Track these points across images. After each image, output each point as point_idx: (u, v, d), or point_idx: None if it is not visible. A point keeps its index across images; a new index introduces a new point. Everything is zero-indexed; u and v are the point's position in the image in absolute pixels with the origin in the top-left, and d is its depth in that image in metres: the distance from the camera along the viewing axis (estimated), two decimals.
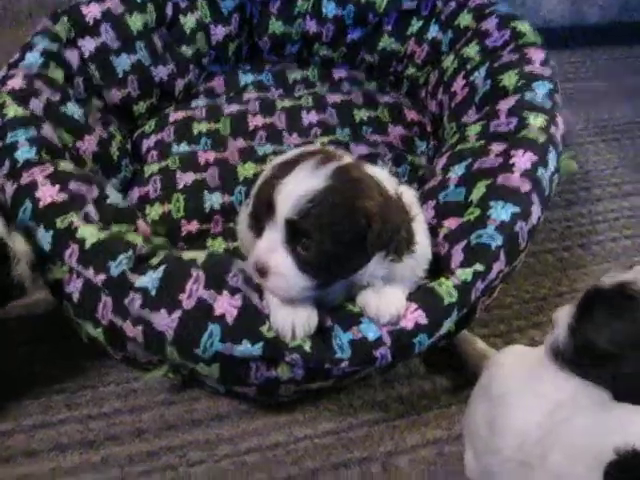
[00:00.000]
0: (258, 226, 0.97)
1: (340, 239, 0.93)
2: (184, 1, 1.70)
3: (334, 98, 1.71)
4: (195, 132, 1.61)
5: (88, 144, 1.40)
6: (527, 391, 0.96)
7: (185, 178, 1.47)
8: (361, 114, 1.67)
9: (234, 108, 1.67)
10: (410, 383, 1.28)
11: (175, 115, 1.66)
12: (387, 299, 1.03)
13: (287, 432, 1.19)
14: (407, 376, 1.28)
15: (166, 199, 1.45)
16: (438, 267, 1.13)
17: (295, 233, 0.92)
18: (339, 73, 1.86)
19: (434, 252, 1.15)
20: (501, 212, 1.14)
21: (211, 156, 1.53)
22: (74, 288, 1.08)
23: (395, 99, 1.76)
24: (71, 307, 1.10)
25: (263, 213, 0.94)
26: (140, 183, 1.50)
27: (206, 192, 1.45)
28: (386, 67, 1.83)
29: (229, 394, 1.20)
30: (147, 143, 1.61)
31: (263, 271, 0.95)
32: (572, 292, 1.48)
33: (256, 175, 1.44)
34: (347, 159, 1.01)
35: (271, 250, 0.94)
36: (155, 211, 1.43)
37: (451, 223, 1.20)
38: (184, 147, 1.58)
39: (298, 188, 0.92)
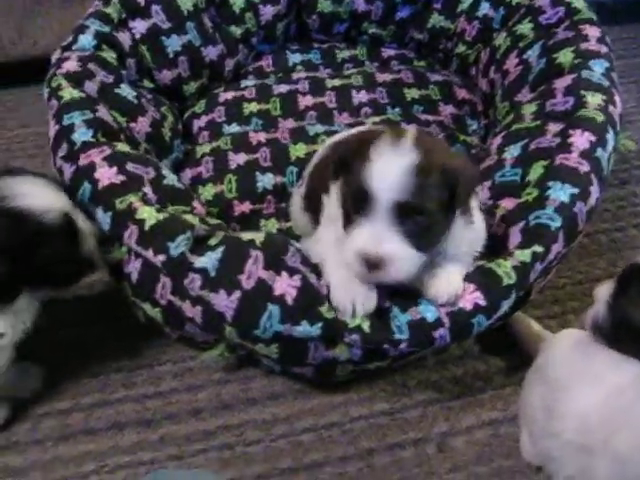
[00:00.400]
0: (346, 214, 0.96)
1: (442, 204, 0.92)
2: None
3: (384, 77, 1.70)
4: (246, 112, 1.61)
5: (141, 125, 1.40)
6: (585, 375, 0.96)
7: (237, 159, 1.48)
8: (412, 93, 1.66)
9: (284, 88, 1.67)
10: (464, 364, 1.27)
11: (225, 95, 1.67)
12: (446, 279, 1.03)
13: (342, 412, 1.19)
14: (461, 357, 1.28)
15: (218, 179, 1.45)
16: (495, 248, 1.12)
17: (406, 213, 0.90)
18: (388, 52, 1.85)
19: (491, 233, 1.14)
20: (560, 193, 1.12)
21: (262, 136, 1.53)
22: (133, 268, 1.09)
23: (445, 77, 1.74)
24: (130, 287, 1.11)
25: (353, 201, 0.92)
26: (192, 163, 1.51)
27: (258, 173, 1.46)
28: (435, 45, 1.81)
29: (285, 374, 1.21)
30: (198, 123, 1.62)
31: (376, 263, 0.92)
32: None
33: (308, 155, 1.44)
34: (410, 129, 1.00)
35: (379, 239, 0.91)
36: (208, 191, 1.44)
37: (508, 204, 1.19)
38: (235, 127, 1.58)
39: (395, 167, 0.89)
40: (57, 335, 1.29)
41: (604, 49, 1.37)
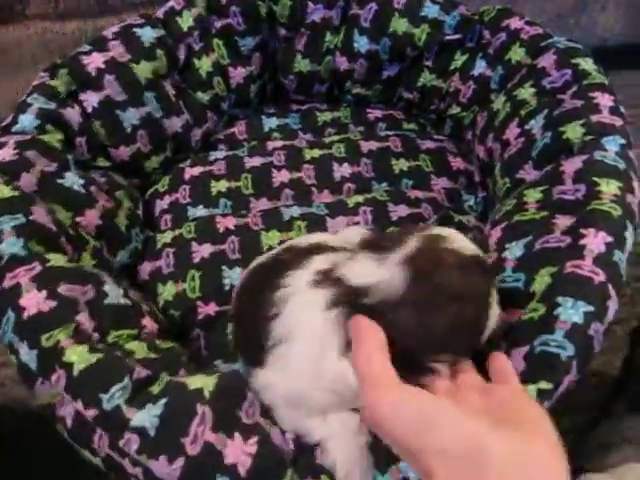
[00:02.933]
0: None
1: None
2: (198, 42, 1.52)
3: (369, 145, 1.52)
4: (214, 192, 1.43)
5: (90, 218, 1.23)
6: None
7: (201, 250, 1.30)
8: (400, 164, 1.48)
9: (257, 161, 1.49)
10: None
11: (191, 171, 1.49)
12: None
13: None
14: None
15: (180, 276, 1.27)
16: None
17: None
18: (375, 113, 1.67)
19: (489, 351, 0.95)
20: (572, 312, 0.93)
21: (231, 222, 1.35)
22: (66, 413, 0.91)
23: (438, 144, 1.56)
24: (65, 431, 0.93)
25: None
26: (152, 255, 1.33)
27: (225, 267, 1.27)
28: (427, 105, 1.64)
29: None
30: (161, 205, 1.44)
31: None
32: None
33: (281, 244, 1.26)
34: None
35: None
36: (168, 291, 1.26)
37: (509, 316, 1.01)
38: (201, 211, 1.40)
39: None
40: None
41: (618, 122, 1.19)
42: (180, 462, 0.83)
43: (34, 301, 0.97)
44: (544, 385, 0.90)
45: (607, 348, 1.26)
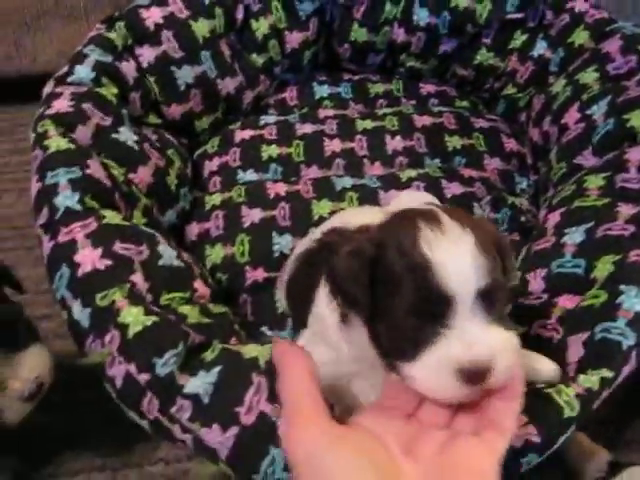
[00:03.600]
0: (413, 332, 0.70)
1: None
2: (257, 3, 1.51)
3: (423, 120, 1.50)
4: (264, 157, 1.43)
5: (142, 175, 1.22)
6: None
7: (252, 215, 1.29)
8: (453, 141, 1.46)
9: (308, 128, 1.48)
10: None
11: (242, 134, 1.48)
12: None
13: None
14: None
15: (229, 240, 1.26)
16: (551, 357, 0.93)
17: (489, 297, 0.69)
18: (427, 88, 1.65)
19: (546, 336, 0.97)
20: (635, 301, 0.92)
21: (282, 188, 1.34)
22: (117, 373, 0.90)
23: (491, 123, 1.54)
24: (114, 392, 0.92)
25: (421, 312, 0.68)
26: (200, 217, 1.32)
27: (275, 233, 1.26)
28: (481, 84, 1.62)
29: None
30: (210, 166, 1.43)
31: (485, 369, 0.67)
32: None
33: (333, 214, 1.25)
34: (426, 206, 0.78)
35: (483, 338, 0.69)
36: (216, 253, 1.25)
37: (567, 302, 1.00)
38: (251, 175, 1.40)
39: (463, 254, 0.69)
40: (37, 423, 1.10)
41: None
42: (234, 431, 0.83)
43: (89, 258, 0.96)
44: (606, 373, 0.88)
45: None
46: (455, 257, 0.68)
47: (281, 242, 1.25)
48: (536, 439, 0.83)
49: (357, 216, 1.03)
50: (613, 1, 1.80)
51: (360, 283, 0.71)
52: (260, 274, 1.23)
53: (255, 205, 1.31)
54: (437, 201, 1.19)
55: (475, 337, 0.68)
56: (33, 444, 1.10)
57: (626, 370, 0.90)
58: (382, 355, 0.73)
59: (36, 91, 1.67)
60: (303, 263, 1.01)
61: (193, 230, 1.31)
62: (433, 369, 0.68)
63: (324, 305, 0.82)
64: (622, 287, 0.94)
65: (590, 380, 0.88)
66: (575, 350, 0.93)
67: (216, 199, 1.34)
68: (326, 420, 0.61)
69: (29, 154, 1.59)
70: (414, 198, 1.22)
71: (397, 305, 0.69)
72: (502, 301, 0.71)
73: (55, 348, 1.22)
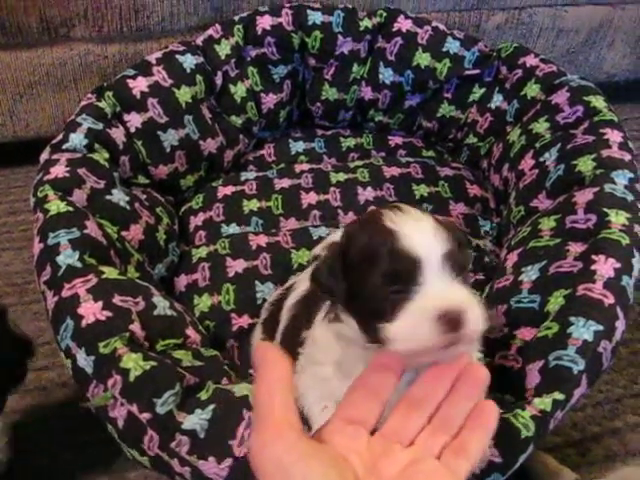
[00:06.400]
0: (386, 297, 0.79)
1: None
2: (234, 69, 1.62)
3: (391, 171, 1.62)
4: (245, 210, 1.53)
5: (134, 233, 1.32)
6: None
7: (235, 265, 1.39)
8: (420, 190, 1.58)
9: (286, 183, 1.59)
10: None
11: (224, 190, 1.59)
12: None
13: None
14: None
15: (215, 289, 1.36)
16: (511, 385, 1.04)
17: (454, 263, 0.78)
18: (395, 140, 1.77)
19: (506, 367, 1.06)
20: (583, 330, 1.02)
21: (263, 240, 1.44)
22: (119, 415, 0.99)
23: (456, 171, 1.66)
24: (116, 432, 1.01)
25: (393, 276, 0.77)
26: (188, 269, 1.42)
27: (257, 282, 1.36)
28: (445, 134, 1.75)
29: None
30: (195, 221, 1.54)
31: (458, 318, 0.76)
32: None
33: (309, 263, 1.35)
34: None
35: (452, 291, 0.78)
36: (204, 303, 1.34)
37: (525, 334, 1.10)
38: (234, 228, 1.50)
39: (425, 226, 0.78)
40: (36, 462, 1.20)
41: (627, 156, 1.29)
42: (228, 462, 0.91)
43: (91, 310, 1.05)
44: (558, 396, 0.98)
45: (612, 367, 1.37)
46: (418, 228, 0.78)
47: (264, 290, 1.35)
48: (498, 459, 0.93)
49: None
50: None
51: (334, 271, 0.82)
52: (245, 320, 1.32)
53: (238, 256, 1.41)
54: None
55: (446, 290, 0.77)
56: None
57: (577, 393, 1.00)
58: (364, 328, 0.82)
59: (28, 155, 1.79)
60: (301, 308, 1.10)
61: (182, 282, 1.40)
62: (412, 322, 0.76)
63: (319, 329, 0.94)
64: (572, 319, 1.04)
65: (544, 402, 0.97)
66: (533, 377, 1.02)
67: (202, 252, 1.44)
68: (295, 432, 0.61)
69: (24, 214, 1.73)
70: None
71: (372, 277, 0.78)
72: (465, 268, 0.81)
73: (57, 396, 1.31)
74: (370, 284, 0.79)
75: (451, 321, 0.75)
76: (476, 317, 0.77)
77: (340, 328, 0.88)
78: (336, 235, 0.97)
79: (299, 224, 1.51)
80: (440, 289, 0.77)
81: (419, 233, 0.77)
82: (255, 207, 1.54)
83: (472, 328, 0.76)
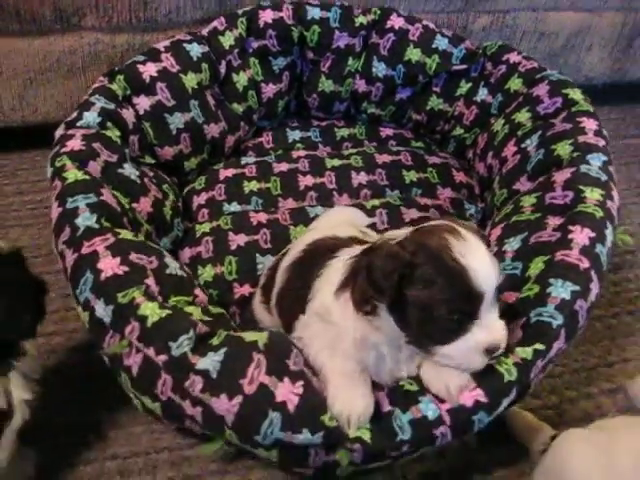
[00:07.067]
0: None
1: None
2: (237, 59, 1.73)
3: (383, 158, 1.72)
4: (246, 191, 1.63)
5: (143, 205, 1.40)
6: (606, 475, 0.96)
7: (237, 239, 1.49)
8: (410, 175, 1.68)
9: (284, 167, 1.69)
10: (464, 456, 1.27)
11: (225, 172, 1.68)
12: (451, 372, 1.03)
13: None
14: (460, 449, 1.27)
15: (218, 260, 1.45)
16: None
17: (499, 292, 0.97)
18: (386, 131, 1.88)
19: None
20: (561, 290, 1.13)
21: (263, 217, 1.54)
22: (133, 362, 1.07)
23: (443, 160, 1.77)
24: (129, 380, 1.09)
25: (455, 306, 0.94)
26: (191, 243, 1.51)
27: (258, 254, 1.46)
28: (433, 126, 1.85)
29: (283, 470, 1.20)
30: (198, 200, 1.63)
31: (497, 350, 0.98)
32: (622, 362, 1.48)
33: None
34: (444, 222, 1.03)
35: (500, 327, 0.98)
36: (207, 273, 1.44)
37: (508, 297, 1.19)
38: (235, 207, 1.60)
39: (485, 259, 0.94)
40: (51, 419, 1.26)
41: (601, 142, 1.40)
42: (238, 399, 0.99)
43: (110, 265, 1.14)
44: (539, 346, 1.08)
45: (588, 339, 1.47)
46: (481, 263, 0.94)
47: (264, 262, 1.45)
48: (484, 399, 1.03)
49: (334, 230, 1.25)
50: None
51: (391, 278, 0.93)
52: (246, 289, 1.42)
53: (240, 231, 1.50)
54: (361, 214, 1.49)
55: (493, 325, 0.97)
56: (50, 436, 1.25)
57: (556, 345, 1.10)
58: (412, 339, 0.99)
59: (34, 140, 1.87)
60: (294, 271, 1.20)
61: (186, 254, 1.49)
62: (466, 350, 0.97)
63: (328, 299, 1.04)
64: (551, 280, 1.15)
65: (525, 351, 1.08)
66: (516, 334, 1.12)
67: (205, 227, 1.53)
68: None
69: (31, 194, 1.81)
70: (342, 212, 1.52)
71: (437, 307, 0.93)
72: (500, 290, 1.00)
73: (65, 358, 1.39)
74: (433, 311, 0.94)
75: (492, 350, 0.97)
76: (505, 342, 0.98)
77: (375, 321, 1.00)
78: (395, 234, 1.02)
79: (297, 204, 1.60)
80: (490, 322, 0.96)
81: (485, 271, 0.93)
82: (255, 188, 1.64)
83: (502, 351, 0.99)
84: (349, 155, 1.74)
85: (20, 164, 1.94)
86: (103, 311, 1.10)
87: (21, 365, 1.06)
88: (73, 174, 1.29)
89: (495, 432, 1.25)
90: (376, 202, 1.58)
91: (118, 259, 1.15)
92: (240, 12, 1.74)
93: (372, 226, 1.48)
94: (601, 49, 2.18)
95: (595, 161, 1.35)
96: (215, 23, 1.71)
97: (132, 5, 1.71)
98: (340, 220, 1.41)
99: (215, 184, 1.65)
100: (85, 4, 1.69)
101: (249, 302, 1.39)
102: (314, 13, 1.76)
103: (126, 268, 1.14)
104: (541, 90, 1.57)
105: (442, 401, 1.03)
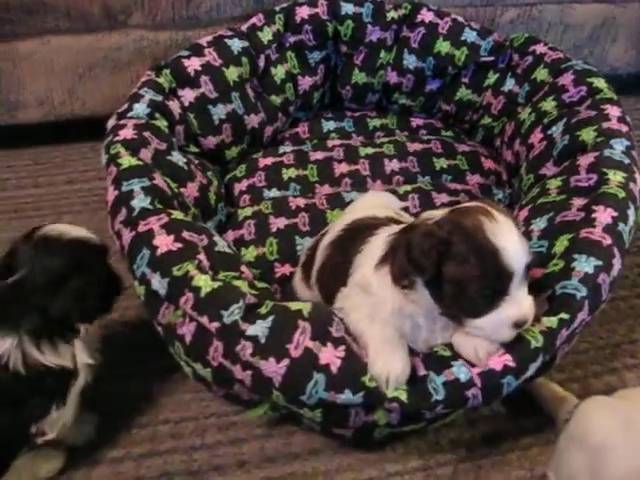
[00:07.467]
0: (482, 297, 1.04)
1: None
2: (275, 53, 1.82)
3: (414, 147, 1.80)
4: (285, 178, 1.72)
5: (190, 190, 1.50)
6: (627, 440, 1.03)
7: (277, 222, 1.58)
8: (441, 162, 1.76)
9: (320, 155, 1.78)
10: (494, 424, 1.34)
11: (264, 161, 1.77)
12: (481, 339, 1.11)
13: (379, 468, 1.26)
14: (490, 417, 1.34)
15: (260, 242, 1.54)
16: None
17: (528, 269, 1.04)
18: (417, 121, 1.96)
19: None
20: (585, 265, 1.20)
21: (301, 202, 1.63)
22: (187, 331, 1.16)
23: (472, 148, 1.84)
24: (182, 347, 1.18)
25: (488, 284, 1.02)
26: (234, 226, 1.60)
27: (297, 236, 1.55)
28: (462, 116, 1.93)
29: (323, 433, 1.28)
30: (239, 187, 1.72)
31: (525, 323, 1.07)
32: None
33: None
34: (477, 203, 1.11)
35: (528, 303, 1.06)
36: (250, 253, 1.53)
37: (535, 273, 1.26)
38: (275, 192, 1.69)
39: (516, 238, 1.02)
40: (109, 388, 1.34)
41: (625, 128, 1.47)
42: (285, 362, 1.08)
43: (165, 242, 1.23)
44: (564, 316, 1.15)
45: (613, 318, 1.54)
46: (512, 243, 1.02)
47: (303, 243, 1.53)
48: (512, 364, 1.11)
49: (372, 211, 1.34)
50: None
51: (430, 256, 1.02)
52: (287, 269, 1.51)
53: (280, 215, 1.60)
54: (394, 198, 1.58)
55: (522, 301, 1.05)
56: (108, 404, 1.34)
57: (580, 316, 1.17)
58: (446, 311, 1.08)
59: (83, 132, 1.97)
60: (336, 248, 1.29)
61: (229, 237, 1.58)
62: (496, 323, 1.06)
63: (369, 272, 1.13)
64: (575, 256, 1.22)
65: (550, 320, 1.15)
66: (542, 305, 1.18)
67: (247, 211, 1.62)
68: None
69: (80, 184, 1.91)
70: (376, 196, 1.60)
71: (470, 283, 1.02)
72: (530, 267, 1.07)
73: (119, 333, 1.48)
74: (467, 287, 1.03)
75: (520, 324, 1.06)
76: (532, 317, 1.07)
77: (412, 295, 1.08)
78: (431, 214, 1.10)
79: (332, 190, 1.69)
80: (519, 298, 1.05)
81: (515, 250, 1.01)
82: (293, 175, 1.73)
83: (529, 325, 1.08)
84: (381, 144, 1.82)
85: (69, 155, 2.05)
86: (159, 284, 1.19)
87: (84, 336, 1.15)
88: (127, 160, 1.38)
89: (523, 403, 1.34)
90: (408, 187, 1.66)
91: (172, 236, 1.24)
92: (277, 9, 1.84)
93: (405, 210, 1.55)
94: (626, 40, 2.24)
95: (618, 145, 1.42)
96: (254, 19, 1.80)
97: (175, 3, 1.82)
98: (375, 204, 1.49)
99: (255, 172, 1.74)
100: (132, 3, 1.80)
101: (289, 281, 1.48)
102: (348, 9, 1.85)
103: (180, 245, 1.23)
104: (566, 79, 1.64)
105: (473, 365, 1.11)
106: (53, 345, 1.09)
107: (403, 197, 1.62)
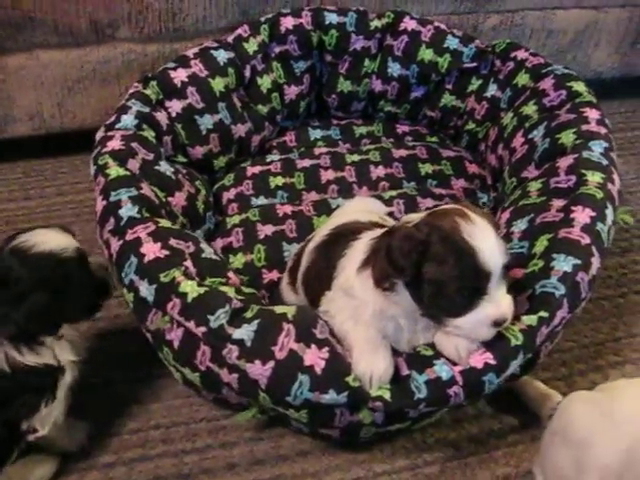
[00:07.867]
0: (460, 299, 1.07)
1: None
2: (260, 64, 1.85)
3: (400, 153, 1.83)
4: (272, 185, 1.75)
5: (178, 199, 1.53)
6: (607, 430, 1.04)
7: (265, 229, 1.60)
8: (426, 168, 1.79)
9: (307, 163, 1.81)
10: (479, 423, 1.36)
11: (252, 169, 1.80)
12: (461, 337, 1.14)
13: (366, 468, 1.28)
14: (476, 416, 1.37)
15: (248, 249, 1.57)
16: None
17: (505, 269, 1.07)
18: (402, 128, 1.99)
19: None
20: (563, 264, 1.23)
21: (288, 209, 1.65)
22: (175, 336, 1.19)
23: (457, 153, 1.87)
24: (171, 353, 1.21)
25: (466, 283, 1.05)
26: (223, 234, 1.63)
27: (285, 243, 1.58)
28: (447, 122, 1.96)
29: (312, 434, 1.30)
30: (227, 195, 1.75)
31: (504, 322, 1.09)
32: (629, 337, 1.56)
33: None
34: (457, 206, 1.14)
35: (507, 302, 1.09)
36: (238, 260, 1.55)
37: (516, 273, 1.29)
38: (262, 200, 1.71)
39: (493, 239, 1.05)
40: (100, 394, 1.38)
41: (603, 130, 1.50)
42: (271, 364, 1.11)
43: (152, 250, 1.26)
44: (543, 314, 1.18)
45: (597, 317, 1.57)
46: (488, 244, 1.05)
47: (290, 250, 1.56)
48: (492, 362, 1.13)
49: (356, 216, 1.37)
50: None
51: (410, 258, 1.05)
52: (275, 275, 1.53)
53: (267, 222, 1.62)
54: (380, 203, 1.61)
55: (501, 300, 1.08)
56: (99, 410, 1.36)
57: (560, 314, 1.20)
58: (426, 312, 1.11)
59: (72, 146, 2.00)
60: (320, 252, 1.31)
61: (218, 244, 1.61)
62: (475, 323, 1.09)
63: (352, 275, 1.16)
64: (554, 255, 1.25)
65: (530, 319, 1.18)
66: (522, 305, 1.21)
67: (235, 219, 1.65)
68: None
69: (71, 195, 1.93)
70: (362, 202, 1.63)
71: (449, 283, 1.05)
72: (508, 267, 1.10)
73: (108, 342, 1.50)
74: (446, 287, 1.06)
75: (499, 323, 1.09)
76: (511, 316, 1.10)
77: (393, 297, 1.11)
78: (411, 217, 1.14)
79: (319, 196, 1.72)
80: (497, 298, 1.07)
81: (492, 250, 1.04)
82: (280, 183, 1.75)
83: (508, 323, 1.11)
84: (367, 151, 1.85)
85: (60, 167, 2.07)
86: (146, 290, 1.22)
87: (66, 335, 1.18)
88: (115, 170, 1.41)
89: (508, 401, 1.37)
90: (393, 193, 1.69)
91: (159, 244, 1.27)
92: (262, 19, 1.86)
93: (390, 215, 1.58)
94: (608, 45, 2.27)
95: (597, 147, 1.45)
96: (239, 30, 1.83)
97: (162, 16, 1.84)
98: (360, 209, 1.51)
99: (243, 180, 1.77)
100: (119, 16, 1.82)
101: (277, 286, 1.50)
102: (331, 18, 1.88)
103: (167, 252, 1.26)
104: (547, 84, 1.67)
105: (455, 364, 1.13)
106: (30, 348, 1.11)
107: (389, 202, 1.65)
